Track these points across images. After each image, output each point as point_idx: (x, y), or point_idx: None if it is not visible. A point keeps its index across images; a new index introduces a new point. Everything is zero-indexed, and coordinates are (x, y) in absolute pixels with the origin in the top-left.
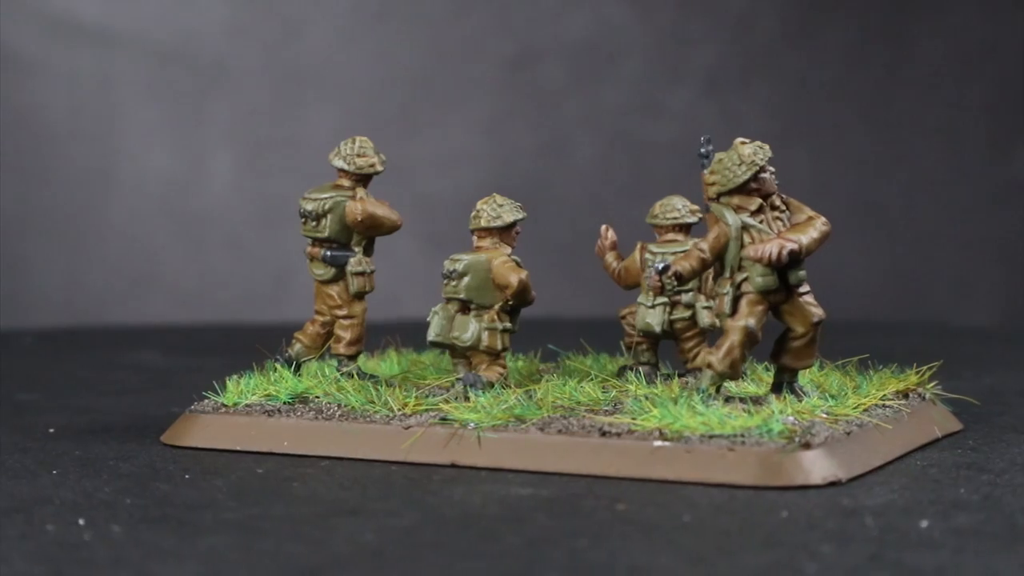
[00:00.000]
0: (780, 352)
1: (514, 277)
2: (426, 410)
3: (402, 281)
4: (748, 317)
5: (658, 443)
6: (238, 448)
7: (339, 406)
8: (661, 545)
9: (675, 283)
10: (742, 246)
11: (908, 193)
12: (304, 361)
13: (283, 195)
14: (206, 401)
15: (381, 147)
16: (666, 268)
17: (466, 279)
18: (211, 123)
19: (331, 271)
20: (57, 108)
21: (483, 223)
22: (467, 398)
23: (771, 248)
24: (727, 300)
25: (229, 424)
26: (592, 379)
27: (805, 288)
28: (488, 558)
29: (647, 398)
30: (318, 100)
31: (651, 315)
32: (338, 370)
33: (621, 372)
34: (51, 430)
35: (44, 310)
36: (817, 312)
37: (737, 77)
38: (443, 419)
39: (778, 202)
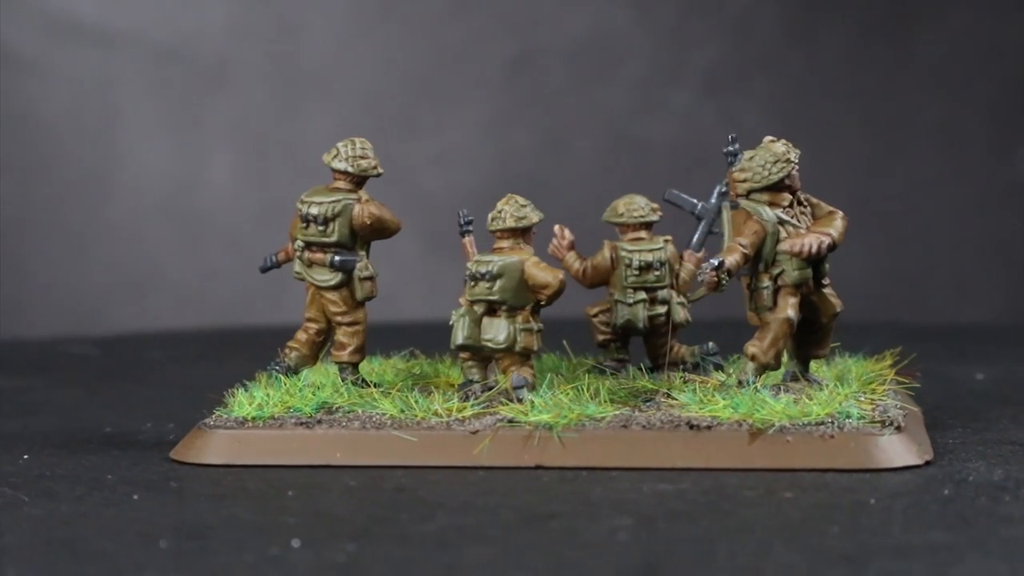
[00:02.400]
0: (803, 343)
1: (552, 277)
2: (475, 414)
3: (400, 282)
4: (788, 309)
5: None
6: (282, 463)
7: (379, 414)
8: (895, 525)
9: (727, 278)
10: (777, 241)
11: (908, 193)
12: (302, 370)
13: (283, 195)
14: (217, 415)
15: (381, 147)
16: (720, 264)
17: (500, 280)
18: (211, 123)
19: (337, 276)
20: (57, 108)
21: (509, 224)
22: (519, 399)
23: (810, 242)
24: (766, 294)
25: (262, 438)
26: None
27: (826, 280)
28: (784, 549)
29: (705, 393)
30: (318, 100)
31: (632, 312)
32: (342, 378)
33: (600, 370)
34: (25, 456)
35: (42, 313)
36: (838, 303)
37: (737, 77)
38: (511, 421)
39: (802, 198)
